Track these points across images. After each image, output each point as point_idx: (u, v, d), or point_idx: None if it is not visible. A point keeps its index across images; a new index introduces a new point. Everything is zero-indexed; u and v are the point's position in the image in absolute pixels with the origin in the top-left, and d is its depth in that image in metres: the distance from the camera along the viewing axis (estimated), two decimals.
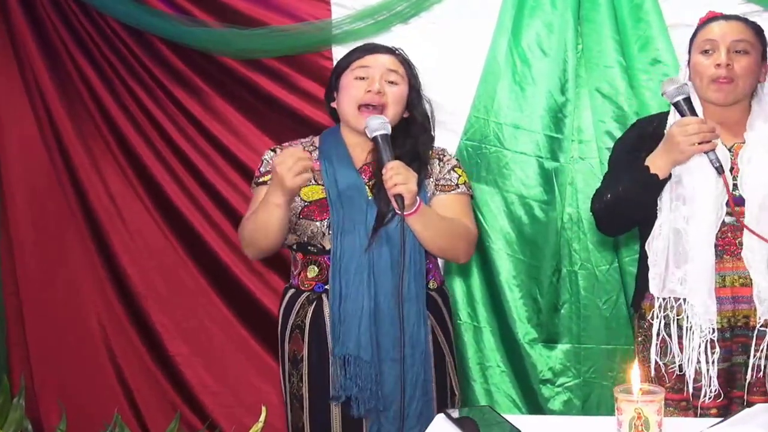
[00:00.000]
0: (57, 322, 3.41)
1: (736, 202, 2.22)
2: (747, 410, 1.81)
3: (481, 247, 3.06)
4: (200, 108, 3.28)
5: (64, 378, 3.41)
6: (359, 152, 2.44)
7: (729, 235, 2.24)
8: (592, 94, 2.95)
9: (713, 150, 2.17)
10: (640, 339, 2.38)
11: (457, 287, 3.11)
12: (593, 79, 2.95)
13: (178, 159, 3.31)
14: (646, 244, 2.30)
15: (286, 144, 2.54)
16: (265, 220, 2.31)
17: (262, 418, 2.09)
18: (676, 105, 2.24)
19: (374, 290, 2.31)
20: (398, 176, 2.19)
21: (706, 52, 2.27)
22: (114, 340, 3.42)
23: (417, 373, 2.32)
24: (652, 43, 2.87)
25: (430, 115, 2.51)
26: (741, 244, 2.23)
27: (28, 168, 3.40)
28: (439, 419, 1.89)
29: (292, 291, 2.45)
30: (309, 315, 2.38)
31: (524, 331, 3.03)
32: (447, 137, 3.05)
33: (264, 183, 2.41)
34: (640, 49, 2.88)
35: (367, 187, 2.38)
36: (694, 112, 2.22)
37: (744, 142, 2.28)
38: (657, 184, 2.24)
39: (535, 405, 3.05)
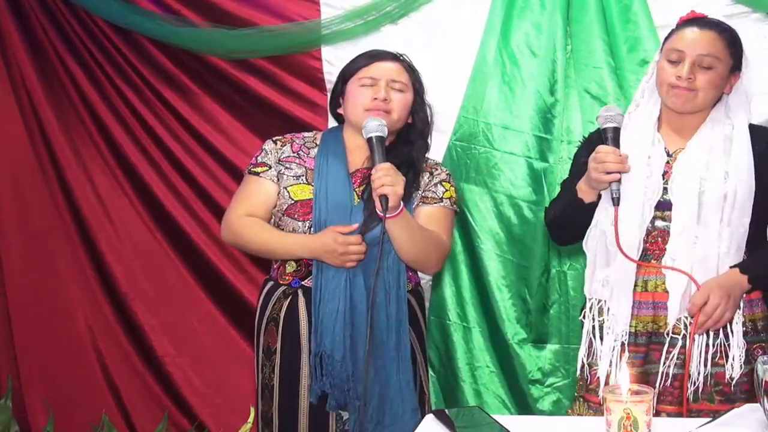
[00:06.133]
0: (44, 323, 3.39)
1: (665, 207, 2.21)
2: (735, 410, 1.81)
3: (470, 248, 3.07)
4: (189, 108, 3.28)
5: (51, 379, 3.40)
6: (357, 156, 2.46)
7: (659, 239, 2.21)
8: (581, 95, 2.96)
9: (617, 182, 2.15)
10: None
11: (447, 288, 3.11)
12: (582, 80, 2.95)
13: (167, 159, 3.30)
14: (583, 244, 2.30)
15: (289, 136, 2.56)
16: (274, 253, 2.45)
17: (251, 418, 2.10)
18: (603, 131, 2.21)
19: (350, 292, 2.36)
20: (387, 177, 2.22)
21: (672, 61, 2.23)
22: (101, 341, 3.41)
23: (389, 374, 2.36)
24: (640, 44, 2.88)
25: (429, 120, 2.55)
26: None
27: (15, 168, 3.38)
28: (428, 419, 1.89)
29: (270, 284, 2.50)
30: (284, 309, 2.44)
31: (513, 331, 3.04)
32: (436, 137, 3.03)
33: (257, 173, 2.46)
34: (629, 50, 2.89)
35: (355, 193, 2.41)
36: (616, 143, 2.19)
37: (685, 148, 2.26)
38: (586, 207, 2.25)
39: (524, 405, 3.05)
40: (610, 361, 2.20)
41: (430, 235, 2.40)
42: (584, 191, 2.24)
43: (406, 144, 2.48)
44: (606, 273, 2.23)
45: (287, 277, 2.44)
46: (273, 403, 2.44)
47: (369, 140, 2.31)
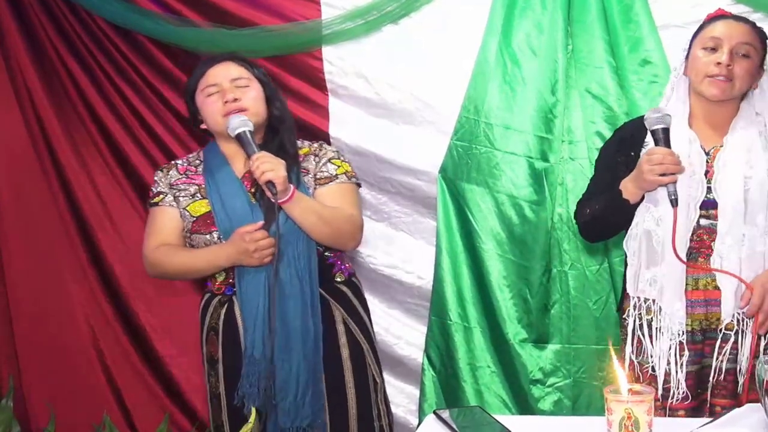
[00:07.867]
0: (45, 323, 3.39)
1: (709, 205, 2.23)
2: (736, 410, 1.81)
3: (471, 248, 3.06)
4: None
5: (52, 379, 3.40)
6: (239, 162, 2.48)
7: (705, 237, 2.25)
8: (582, 95, 2.95)
9: (674, 183, 2.17)
10: (622, 338, 2.40)
11: (448, 287, 3.10)
12: (583, 80, 2.95)
13: (167, 159, 3.29)
14: (624, 243, 2.34)
15: (173, 162, 2.61)
16: (196, 271, 2.48)
17: (252, 419, 2.09)
18: (653, 133, 2.23)
19: (268, 290, 2.37)
20: (265, 164, 2.26)
21: (708, 49, 2.26)
22: (102, 341, 3.41)
23: (299, 366, 2.37)
24: (642, 44, 2.87)
25: (285, 105, 2.57)
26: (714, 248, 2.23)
27: (16, 168, 3.38)
28: (430, 420, 1.89)
29: (207, 295, 2.53)
30: (222, 317, 2.46)
31: (514, 331, 3.03)
32: (437, 138, 3.05)
33: (157, 204, 2.49)
34: (630, 50, 2.88)
35: (249, 194, 2.43)
36: (667, 144, 2.20)
37: (723, 146, 2.28)
38: (630, 208, 2.27)
39: (525, 405, 3.05)
40: (668, 360, 2.24)
41: (334, 212, 2.41)
42: (631, 192, 2.25)
43: (274, 134, 2.50)
44: (653, 272, 2.26)
45: (220, 287, 2.47)
46: (222, 412, 2.47)
47: (237, 137, 2.36)
